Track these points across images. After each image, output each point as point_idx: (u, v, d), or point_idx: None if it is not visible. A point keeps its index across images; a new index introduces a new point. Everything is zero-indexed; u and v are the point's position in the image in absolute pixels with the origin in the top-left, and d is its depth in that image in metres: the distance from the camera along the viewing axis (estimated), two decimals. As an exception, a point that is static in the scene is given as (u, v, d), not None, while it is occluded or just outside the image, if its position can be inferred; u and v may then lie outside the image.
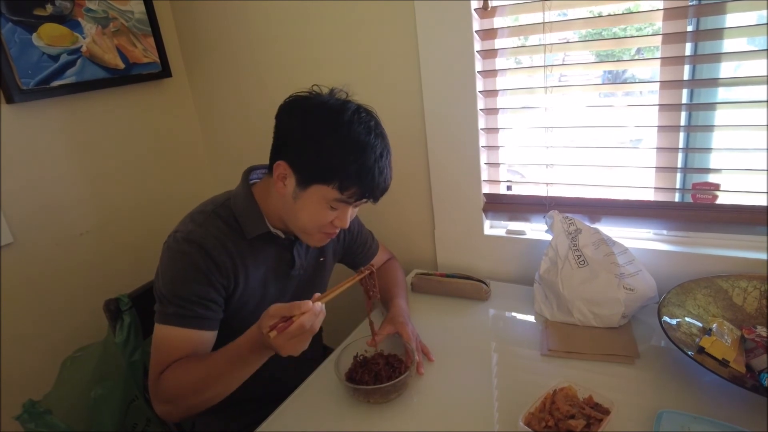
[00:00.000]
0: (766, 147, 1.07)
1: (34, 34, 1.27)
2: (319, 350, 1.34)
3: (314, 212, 0.96)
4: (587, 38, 1.30)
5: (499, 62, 1.32)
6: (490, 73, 1.31)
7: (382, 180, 0.96)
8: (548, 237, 1.25)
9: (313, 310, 0.82)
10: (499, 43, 1.30)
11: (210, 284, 0.95)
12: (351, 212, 1.00)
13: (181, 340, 0.94)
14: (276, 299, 1.08)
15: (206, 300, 0.95)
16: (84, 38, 1.38)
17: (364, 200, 0.97)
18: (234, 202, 1.02)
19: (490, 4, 1.23)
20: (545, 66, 1.23)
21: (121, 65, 1.48)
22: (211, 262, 0.94)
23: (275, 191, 0.98)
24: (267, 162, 1.03)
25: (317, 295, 0.88)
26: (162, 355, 0.94)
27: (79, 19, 1.37)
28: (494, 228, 1.46)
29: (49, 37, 1.30)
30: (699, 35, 1.12)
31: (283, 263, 1.08)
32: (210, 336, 0.97)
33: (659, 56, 1.16)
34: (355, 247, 1.27)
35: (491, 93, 1.33)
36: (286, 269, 1.09)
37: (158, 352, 0.95)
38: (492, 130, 1.37)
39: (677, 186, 1.24)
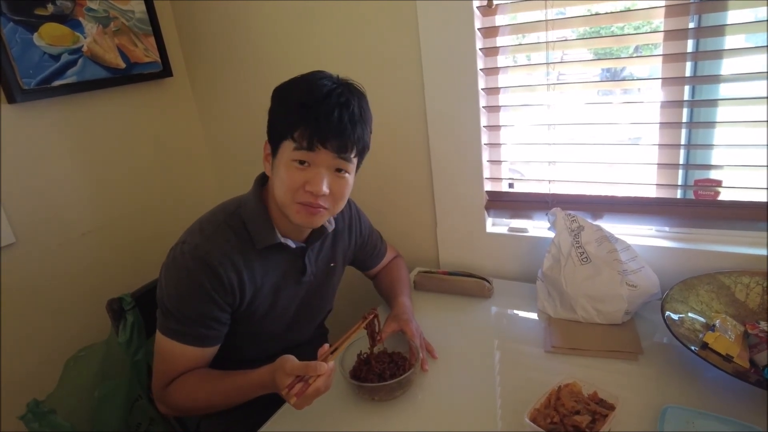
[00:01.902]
0: (767, 143, 1.07)
1: (35, 34, 1.27)
2: (318, 329, 1.32)
3: (284, 176, 0.91)
4: (588, 36, 1.30)
5: (501, 60, 1.32)
6: (492, 71, 1.31)
7: (334, 119, 0.86)
8: (551, 234, 1.26)
9: (328, 372, 0.82)
10: (500, 40, 1.30)
11: (214, 303, 0.94)
12: (328, 178, 0.91)
13: (183, 354, 0.95)
14: (286, 306, 1.08)
15: (209, 319, 0.95)
16: (85, 38, 1.37)
17: (319, 146, 0.87)
18: (244, 210, 0.99)
19: (494, 2, 1.23)
20: (547, 63, 1.24)
21: (122, 65, 1.48)
22: (216, 281, 0.92)
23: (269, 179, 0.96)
24: None
25: (326, 347, 0.88)
26: (166, 366, 0.97)
27: (80, 19, 1.36)
28: (496, 226, 1.47)
29: (50, 36, 1.30)
30: (700, 32, 1.12)
31: (295, 270, 1.07)
32: (212, 351, 0.99)
33: (660, 53, 1.16)
34: (365, 250, 1.27)
35: (493, 90, 1.33)
36: (297, 276, 1.07)
37: (162, 363, 0.97)
38: (494, 128, 1.37)
39: (679, 183, 1.24)
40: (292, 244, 1.02)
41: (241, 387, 0.92)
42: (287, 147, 0.90)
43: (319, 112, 0.87)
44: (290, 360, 0.83)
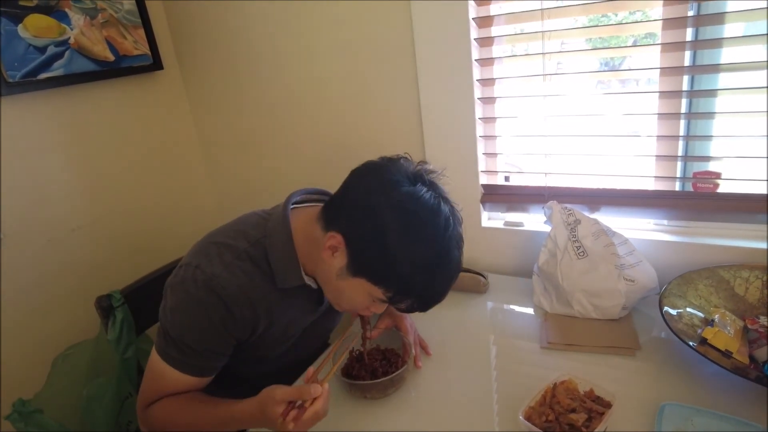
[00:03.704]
0: (767, 134, 1.05)
1: (20, 25, 1.24)
2: (321, 347, 1.30)
3: (354, 299, 0.86)
4: (585, 25, 1.28)
5: (497, 50, 1.29)
6: (487, 62, 1.29)
7: (440, 299, 0.84)
8: (547, 228, 1.23)
9: (325, 394, 0.76)
10: (495, 30, 1.27)
11: (222, 338, 0.88)
12: None
13: (177, 380, 0.88)
14: (294, 334, 1.01)
15: (213, 352, 0.89)
16: (72, 29, 1.34)
17: None
18: (270, 243, 0.89)
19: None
20: (543, 53, 1.21)
21: (111, 57, 1.45)
22: (229, 316, 0.85)
23: (319, 253, 0.85)
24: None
25: (311, 370, 0.82)
26: (155, 386, 0.90)
27: (67, 10, 1.33)
28: (492, 219, 1.45)
29: (35, 28, 1.27)
30: (700, 20, 1.10)
31: (311, 303, 1.00)
32: (208, 379, 0.93)
33: (659, 42, 1.14)
34: None
35: (488, 81, 1.30)
36: (312, 308, 1.00)
37: (151, 382, 0.91)
38: (489, 120, 1.35)
39: (678, 175, 1.22)
40: (314, 285, 0.94)
41: (224, 417, 0.84)
42: (376, 290, 0.82)
43: (435, 300, 0.84)
44: (279, 387, 0.77)
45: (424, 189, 0.80)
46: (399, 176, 0.80)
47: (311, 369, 0.82)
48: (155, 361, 0.89)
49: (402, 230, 0.77)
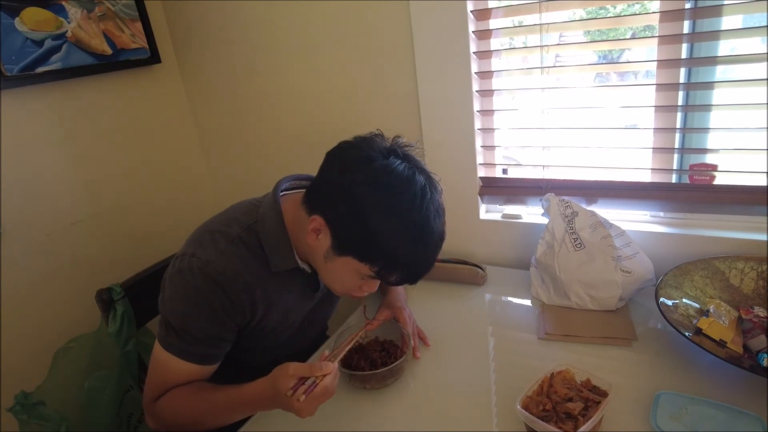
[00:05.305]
0: (765, 126, 1.06)
1: (17, 19, 1.24)
2: (320, 335, 1.31)
3: (343, 280, 0.88)
4: (583, 18, 1.28)
5: (495, 43, 1.30)
6: (485, 54, 1.29)
7: (427, 268, 0.85)
8: (544, 220, 1.24)
9: (334, 372, 0.78)
10: (494, 23, 1.27)
11: (222, 324, 0.89)
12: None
13: (181, 370, 0.89)
14: (295, 320, 1.02)
15: (215, 339, 0.90)
16: (69, 23, 1.34)
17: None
18: (262, 227, 0.90)
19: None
20: (541, 46, 1.21)
21: (109, 51, 1.45)
22: (227, 301, 0.86)
23: (305, 238, 0.86)
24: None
25: (325, 353, 0.85)
26: (159, 378, 0.91)
27: (64, 3, 1.33)
28: (490, 212, 1.45)
29: (32, 21, 1.26)
30: (697, 12, 1.10)
31: (308, 288, 1.01)
32: (213, 368, 0.93)
33: (657, 35, 1.14)
34: None
35: (486, 74, 1.31)
36: (309, 293, 1.02)
37: (156, 375, 0.91)
38: (487, 113, 1.35)
39: (674, 167, 1.23)
40: (308, 269, 0.96)
41: (234, 402, 0.85)
42: (362, 267, 0.83)
43: (422, 271, 0.85)
44: (292, 363, 0.79)
45: (398, 161, 0.81)
46: (372, 152, 0.81)
47: (325, 353, 0.85)
48: (158, 353, 0.90)
49: (378, 204, 0.78)
